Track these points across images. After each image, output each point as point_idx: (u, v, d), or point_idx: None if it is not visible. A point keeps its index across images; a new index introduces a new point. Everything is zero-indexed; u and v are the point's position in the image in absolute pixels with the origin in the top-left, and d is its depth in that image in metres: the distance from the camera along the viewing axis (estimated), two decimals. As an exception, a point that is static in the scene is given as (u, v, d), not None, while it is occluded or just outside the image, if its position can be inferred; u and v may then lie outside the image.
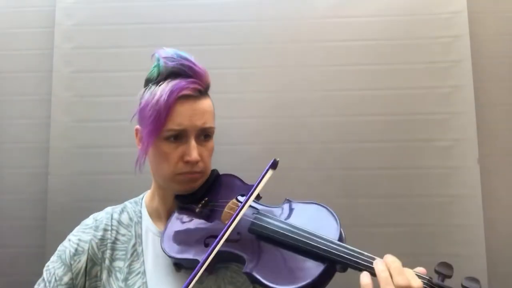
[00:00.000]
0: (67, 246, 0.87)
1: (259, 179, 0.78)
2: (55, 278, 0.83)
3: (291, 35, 1.41)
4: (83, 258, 0.85)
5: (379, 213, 1.30)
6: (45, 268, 0.86)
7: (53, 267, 0.85)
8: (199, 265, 0.70)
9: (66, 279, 0.83)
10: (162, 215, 0.91)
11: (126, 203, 0.96)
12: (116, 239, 0.87)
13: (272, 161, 0.80)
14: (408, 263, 1.29)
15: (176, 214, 0.88)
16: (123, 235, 0.88)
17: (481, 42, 1.39)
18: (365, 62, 1.37)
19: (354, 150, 1.35)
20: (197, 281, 0.77)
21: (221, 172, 0.98)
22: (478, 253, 1.27)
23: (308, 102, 1.37)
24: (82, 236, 0.88)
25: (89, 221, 0.91)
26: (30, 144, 1.42)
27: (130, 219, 0.91)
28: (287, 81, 1.39)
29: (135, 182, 1.31)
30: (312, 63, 1.39)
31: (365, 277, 0.64)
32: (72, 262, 0.84)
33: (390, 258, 0.65)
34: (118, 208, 0.94)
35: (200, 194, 0.88)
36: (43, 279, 0.85)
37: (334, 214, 0.77)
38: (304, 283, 0.67)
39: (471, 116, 1.33)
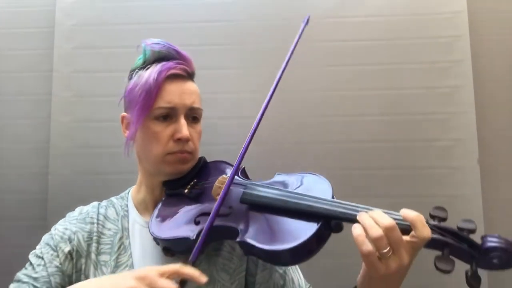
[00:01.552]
0: (53, 233, 0.85)
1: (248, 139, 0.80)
2: (44, 262, 0.80)
3: (291, 35, 1.40)
4: (69, 246, 0.82)
5: (379, 213, 1.30)
6: (30, 255, 0.83)
7: (41, 252, 0.82)
8: (204, 231, 0.68)
9: (55, 263, 0.81)
10: (149, 206, 0.89)
11: (112, 198, 0.94)
12: (101, 233, 0.85)
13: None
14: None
15: (164, 201, 0.86)
16: (109, 229, 0.86)
17: (481, 42, 1.39)
18: (365, 62, 1.38)
19: (354, 150, 1.35)
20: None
21: None
22: (478, 253, 1.28)
23: (308, 102, 1.37)
24: (68, 226, 0.86)
25: (75, 213, 0.90)
26: (30, 144, 1.42)
27: (117, 213, 0.89)
28: (287, 81, 1.39)
29: (135, 182, 1.30)
30: (312, 63, 1.39)
31: (357, 228, 0.62)
32: (59, 248, 0.82)
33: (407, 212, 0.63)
34: (104, 203, 0.93)
35: (189, 178, 0.86)
36: (30, 263, 0.82)
37: (324, 178, 0.77)
38: (299, 242, 0.65)
39: (471, 116, 1.33)
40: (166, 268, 0.60)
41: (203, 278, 0.60)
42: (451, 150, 1.33)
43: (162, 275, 0.59)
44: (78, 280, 0.81)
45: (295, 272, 0.87)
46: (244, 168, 0.89)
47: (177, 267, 0.60)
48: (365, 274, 0.67)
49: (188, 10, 1.42)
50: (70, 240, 0.83)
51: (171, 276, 0.60)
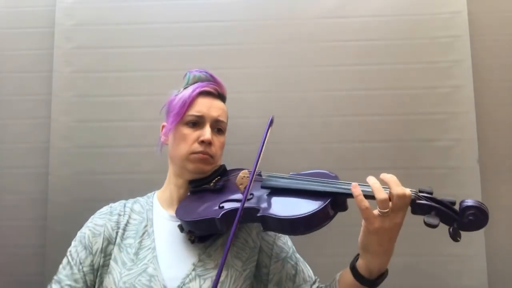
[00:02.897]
0: (85, 232, 0.97)
1: (262, 141, 0.92)
2: (79, 261, 0.93)
3: (291, 35, 1.41)
4: (100, 239, 0.95)
5: (379, 213, 1.31)
6: (68, 253, 0.96)
7: (76, 251, 0.95)
8: (240, 208, 0.81)
9: (88, 261, 0.93)
10: (175, 201, 1.01)
11: (138, 197, 1.07)
12: (128, 222, 0.99)
13: (270, 119, 0.95)
14: (409, 263, 1.29)
15: (189, 195, 1.00)
16: (135, 219, 1.00)
17: (481, 42, 1.39)
18: (365, 62, 1.38)
19: (354, 150, 1.35)
20: (206, 254, 0.93)
21: None
22: (478, 253, 1.28)
23: (308, 102, 1.37)
24: (97, 221, 0.99)
25: (104, 209, 1.03)
26: (30, 144, 1.42)
27: (142, 207, 1.03)
28: (287, 81, 1.39)
29: (135, 182, 1.31)
30: (312, 63, 1.39)
31: (356, 187, 0.79)
32: (91, 245, 0.95)
33: (386, 175, 0.80)
34: (131, 200, 1.06)
35: (212, 178, 1.00)
36: (68, 262, 0.94)
37: (333, 173, 0.91)
38: (311, 211, 0.79)
39: (471, 116, 1.33)
40: None
41: None
42: (451, 150, 1.33)
43: None
44: (106, 263, 0.93)
45: (305, 266, 1.01)
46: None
47: None
48: (364, 229, 0.81)
49: (188, 10, 1.42)
50: (100, 233, 0.96)
51: None
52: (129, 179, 1.36)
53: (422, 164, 1.33)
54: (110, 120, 1.39)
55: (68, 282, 0.91)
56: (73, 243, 0.97)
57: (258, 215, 0.84)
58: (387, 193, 0.77)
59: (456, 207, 0.77)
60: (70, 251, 0.96)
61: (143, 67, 1.41)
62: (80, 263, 0.93)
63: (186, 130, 0.98)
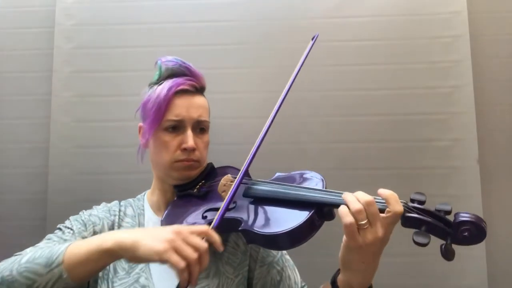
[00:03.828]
0: (81, 214, 0.93)
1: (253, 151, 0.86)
2: (73, 232, 0.87)
3: (291, 35, 1.41)
4: (96, 228, 0.89)
5: (379, 213, 1.30)
6: (58, 226, 0.90)
7: (70, 224, 0.89)
8: (221, 209, 0.76)
9: (84, 234, 0.87)
10: (162, 207, 0.96)
11: (130, 199, 1.02)
12: (121, 225, 0.94)
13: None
14: (409, 262, 1.29)
15: (174, 201, 0.94)
16: (127, 223, 0.95)
17: (481, 42, 1.39)
18: (365, 62, 1.37)
19: (354, 150, 1.35)
20: None
21: None
22: (478, 253, 1.27)
23: (308, 102, 1.37)
24: (95, 212, 0.94)
25: (100, 206, 0.98)
26: (30, 144, 1.42)
27: (134, 211, 0.97)
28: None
29: (135, 182, 1.30)
30: (312, 63, 1.39)
31: (342, 207, 0.70)
32: (88, 224, 0.89)
33: (385, 191, 0.71)
34: (123, 202, 1.01)
35: (197, 181, 0.94)
36: (60, 229, 0.88)
37: (318, 174, 0.86)
38: (295, 225, 0.73)
39: (471, 116, 1.33)
40: (197, 228, 0.70)
41: (222, 247, 0.70)
42: (451, 150, 1.33)
43: (192, 233, 0.68)
44: None
45: (293, 271, 0.94)
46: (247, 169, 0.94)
47: (206, 228, 0.70)
48: (345, 245, 0.73)
49: (188, 10, 1.42)
50: (97, 222, 0.91)
51: (200, 235, 0.69)
52: (129, 179, 1.36)
53: (422, 164, 1.33)
54: (110, 120, 1.39)
55: (56, 239, 0.84)
56: (65, 222, 0.91)
57: (240, 229, 0.78)
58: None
59: (451, 215, 0.70)
60: (62, 225, 0.90)
61: (143, 67, 1.40)
62: (74, 233, 0.86)
63: (166, 137, 0.91)
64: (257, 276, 0.91)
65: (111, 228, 0.92)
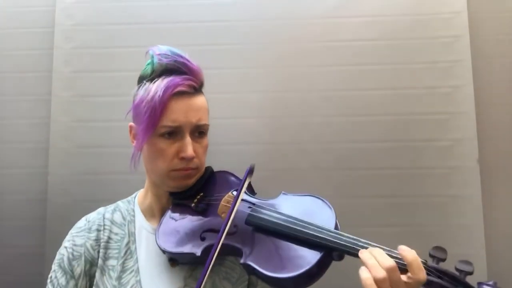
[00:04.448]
0: (64, 253, 0.87)
1: (243, 180, 0.79)
2: (63, 285, 0.84)
3: (291, 35, 1.41)
4: (81, 262, 0.85)
5: (378, 213, 1.30)
6: (48, 280, 0.87)
7: (55, 277, 0.85)
8: (209, 259, 0.69)
9: (70, 286, 0.84)
10: (156, 213, 0.90)
11: (119, 202, 0.96)
12: (109, 238, 0.87)
13: (248, 168, 0.79)
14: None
15: (170, 211, 0.87)
16: (116, 234, 0.88)
17: (481, 42, 1.38)
18: (365, 62, 1.37)
19: (354, 150, 1.35)
20: (192, 277, 0.83)
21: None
22: (478, 253, 1.27)
23: (308, 102, 1.37)
24: (76, 240, 0.88)
25: (81, 223, 0.91)
26: (30, 144, 1.42)
27: (123, 218, 0.91)
28: (287, 81, 1.39)
29: (135, 182, 1.30)
30: (312, 63, 1.39)
31: (364, 272, 0.64)
32: (71, 268, 0.85)
33: (407, 252, 0.66)
34: (110, 207, 0.94)
35: (195, 190, 0.87)
36: (51, 282, 0.86)
37: (329, 205, 0.78)
38: (301, 271, 0.68)
39: (471, 116, 1.33)
40: None
41: None
42: (451, 150, 1.33)
43: None
44: (92, 285, 0.84)
45: None
46: (250, 182, 0.88)
47: None
48: None
49: (188, 10, 1.42)
50: (80, 255, 0.86)
51: None
52: (129, 179, 1.35)
53: (422, 164, 1.33)
54: (110, 120, 1.39)
55: None
56: (53, 266, 0.88)
57: (241, 262, 0.73)
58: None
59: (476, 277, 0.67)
60: (50, 277, 0.87)
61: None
62: (64, 286, 0.84)
63: (162, 144, 0.81)
64: None
65: (96, 246, 0.86)
